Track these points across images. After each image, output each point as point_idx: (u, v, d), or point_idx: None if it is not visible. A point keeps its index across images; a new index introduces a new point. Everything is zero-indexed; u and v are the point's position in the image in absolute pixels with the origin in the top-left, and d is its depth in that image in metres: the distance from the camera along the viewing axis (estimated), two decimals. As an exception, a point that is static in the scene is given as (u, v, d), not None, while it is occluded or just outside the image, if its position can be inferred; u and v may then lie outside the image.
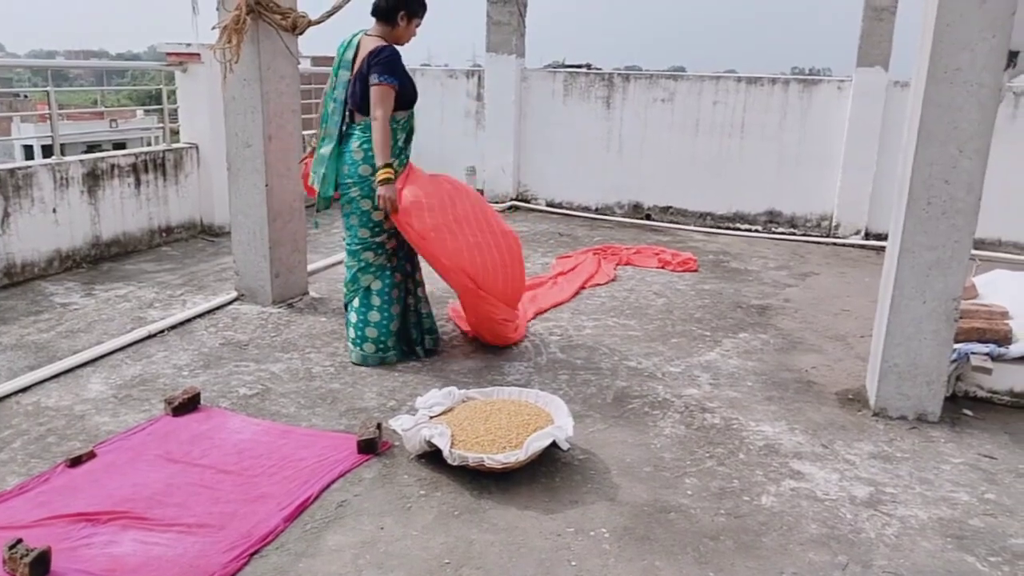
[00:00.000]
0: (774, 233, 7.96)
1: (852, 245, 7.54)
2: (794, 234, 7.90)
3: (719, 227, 8.15)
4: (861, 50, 7.30)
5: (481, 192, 8.89)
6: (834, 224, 7.75)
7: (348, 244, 4.16)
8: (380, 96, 3.85)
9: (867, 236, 7.62)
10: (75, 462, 3.02)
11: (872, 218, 7.57)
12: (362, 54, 3.96)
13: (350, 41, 4.09)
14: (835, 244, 7.59)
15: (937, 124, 3.36)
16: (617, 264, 6.37)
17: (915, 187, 3.45)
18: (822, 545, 2.69)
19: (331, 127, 4.10)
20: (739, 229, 8.09)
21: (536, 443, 3.00)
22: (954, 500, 3.00)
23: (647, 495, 2.96)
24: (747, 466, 3.21)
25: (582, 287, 5.67)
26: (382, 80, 3.83)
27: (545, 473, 3.08)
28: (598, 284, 5.78)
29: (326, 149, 4.09)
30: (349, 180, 4.02)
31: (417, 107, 4.15)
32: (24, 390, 3.70)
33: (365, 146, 3.97)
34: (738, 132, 8.01)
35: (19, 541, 2.42)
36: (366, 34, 4.06)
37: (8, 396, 3.62)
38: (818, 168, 7.75)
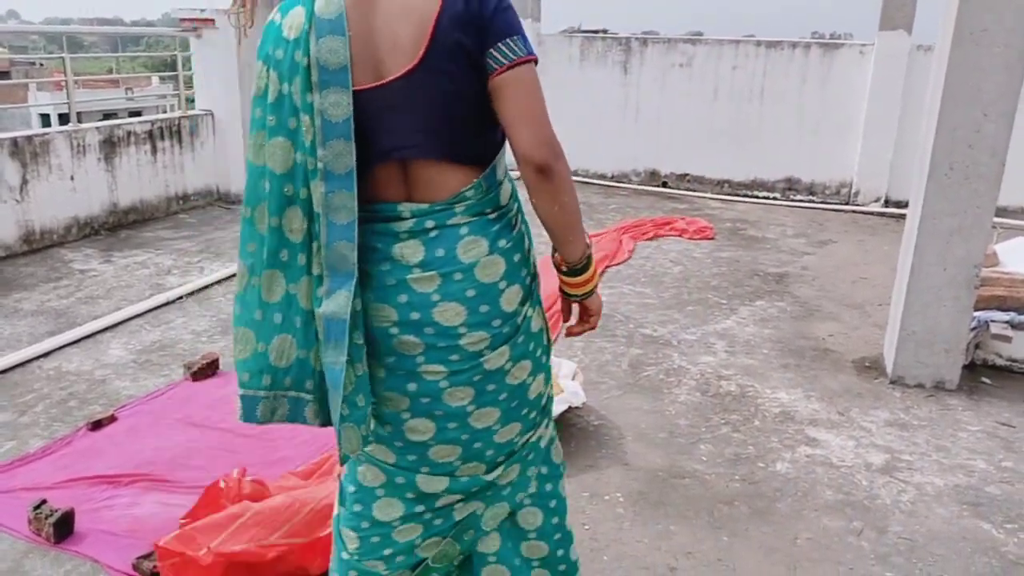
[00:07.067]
0: (792, 200, 7.87)
1: (871, 213, 7.45)
2: (813, 201, 7.81)
3: (737, 195, 8.07)
4: (884, 13, 7.16)
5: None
6: (854, 191, 7.66)
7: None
8: (534, 90, 1.58)
9: (887, 204, 7.53)
10: (96, 425, 3.07)
11: (892, 185, 7.47)
12: (420, 8, 1.43)
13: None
14: (854, 212, 7.50)
15: (961, 87, 3.30)
16: (636, 240, 6.22)
17: (937, 152, 3.40)
18: (837, 511, 2.69)
19: (293, 232, 1.51)
20: (757, 197, 8.00)
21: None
22: (971, 467, 3.00)
23: (662, 461, 2.97)
24: (762, 433, 3.21)
25: (603, 269, 5.32)
26: (530, 52, 1.53)
27: (559, 438, 3.08)
28: (617, 264, 5.62)
29: (324, 290, 1.48)
30: (484, 329, 1.61)
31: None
32: (46, 355, 3.75)
33: (505, 241, 1.63)
34: (757, 98, 7.90)
35: (43, 502, 2.47)
36: None
37: (30, 361, 3.67)
38: (838, 134, 7.64)
